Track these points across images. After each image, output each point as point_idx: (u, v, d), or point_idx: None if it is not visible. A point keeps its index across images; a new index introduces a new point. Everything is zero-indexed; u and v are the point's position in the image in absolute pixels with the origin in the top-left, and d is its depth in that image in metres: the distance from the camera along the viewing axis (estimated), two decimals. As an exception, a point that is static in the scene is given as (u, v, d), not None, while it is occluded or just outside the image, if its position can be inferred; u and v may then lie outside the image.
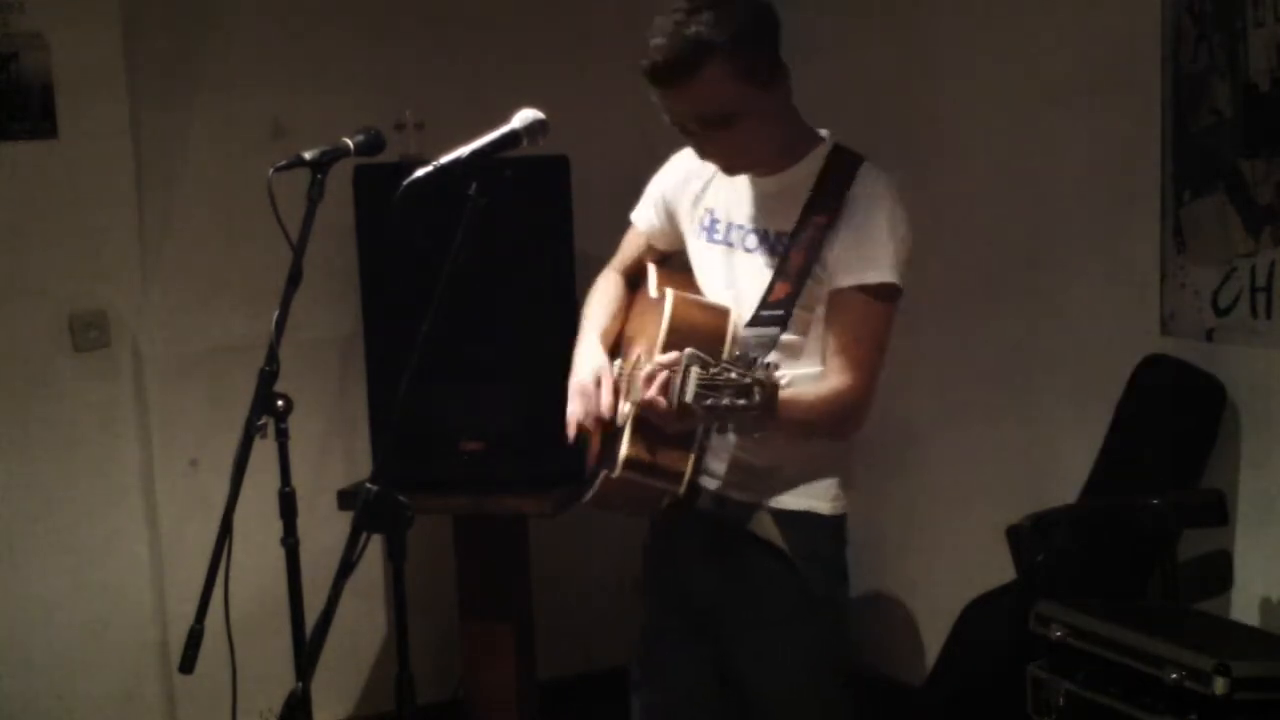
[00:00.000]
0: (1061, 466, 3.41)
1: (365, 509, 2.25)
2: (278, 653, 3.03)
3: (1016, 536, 3.04)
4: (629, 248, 2.70)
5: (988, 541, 3.22)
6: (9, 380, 3.82)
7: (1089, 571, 3.03)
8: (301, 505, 2.86)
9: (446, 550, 3.97)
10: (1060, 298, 3.52)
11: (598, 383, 2.44)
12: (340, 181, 3.22)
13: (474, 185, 2.27)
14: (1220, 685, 2.47)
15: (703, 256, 2.50)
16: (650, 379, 2.16)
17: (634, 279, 2.68)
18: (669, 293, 2.38)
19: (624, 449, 2.29)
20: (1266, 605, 3.00)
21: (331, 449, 4.14)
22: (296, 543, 2.85)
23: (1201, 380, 3.09)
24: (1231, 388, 3.06)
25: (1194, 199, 3.13)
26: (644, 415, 2.24)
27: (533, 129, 2.34)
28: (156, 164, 3.96)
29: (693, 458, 2.31)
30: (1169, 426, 3.13)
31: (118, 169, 3.90)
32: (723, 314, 2.36)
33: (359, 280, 3.82)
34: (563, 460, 2.67)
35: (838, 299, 2.32)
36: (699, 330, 2.30)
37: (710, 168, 2.47)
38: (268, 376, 2.67)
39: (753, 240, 2.42)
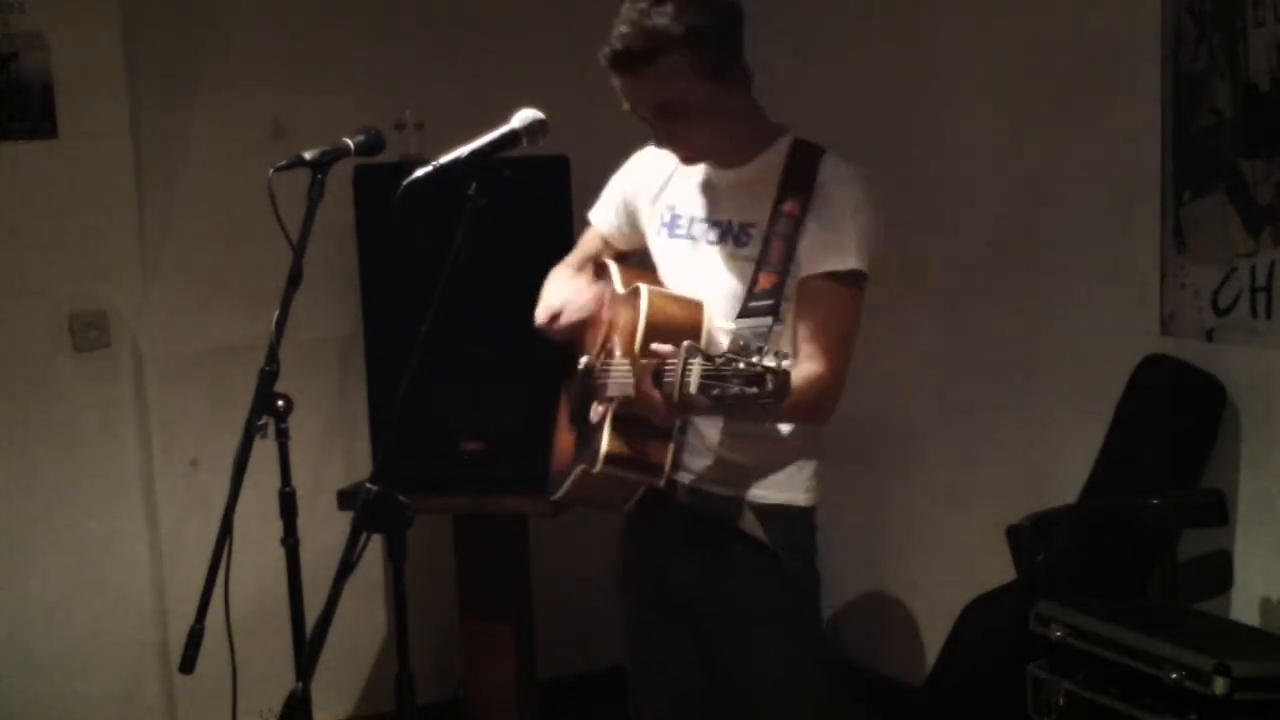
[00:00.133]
0: (1061, 466, 3.41)
1: (365, 509, 2.25)
2: (278, 653, 3.03)
3: (1016, 536, 3.04)
4: (586, 247, 2.74)
5: (988, 541, 3.22)
6: (9, 380, 3.82)
7: (1089, 571, 3.03)
8: (301, 505, 2.86)
9: (446, 550, 3.97)
10: (1060, 298, 3.52)
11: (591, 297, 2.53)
12: (340, 181, 3.22)
13: (474, 185, 2.28)
14: (1220, 685, 2.47)
15: (666, 252, 2.53)
16: (646, 372, 2.18)
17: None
18: (644, 288, 2.40)
19: (604, 444, 2.31)
20: (1266, 605, 3.00)
21: (331, 449, 4.15)
22: (296, 543, 2.85)
23: (1201, 380, 3.09)
24: (1231, 388, 3.06)
25: (1194, 199, 3.13)
26: (624, 409, 2.28)
27: (533, 129, 2.36)
28: (156, 164, 3.96)
29: (671, 448, 2.34)
30: (1169, 426, 3.13)
31: (118, 169, 3.90)
32: (696, 306, 2.39)
33: (359, 280, 3.82)
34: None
35: (807, 286, 2.34)
36: (675, 323, 2.34)
37: (670, 165, 2.51)
38: (268, 376, 2.67)
39: (716, 232, 2.45)
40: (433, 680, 3.95)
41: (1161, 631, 2.67)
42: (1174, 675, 2.53)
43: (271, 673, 3.11)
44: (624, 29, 2.31)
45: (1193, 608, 3.02)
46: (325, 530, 3.20)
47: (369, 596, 4.16)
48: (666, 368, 2.14)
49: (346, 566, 2.26)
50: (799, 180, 2.36)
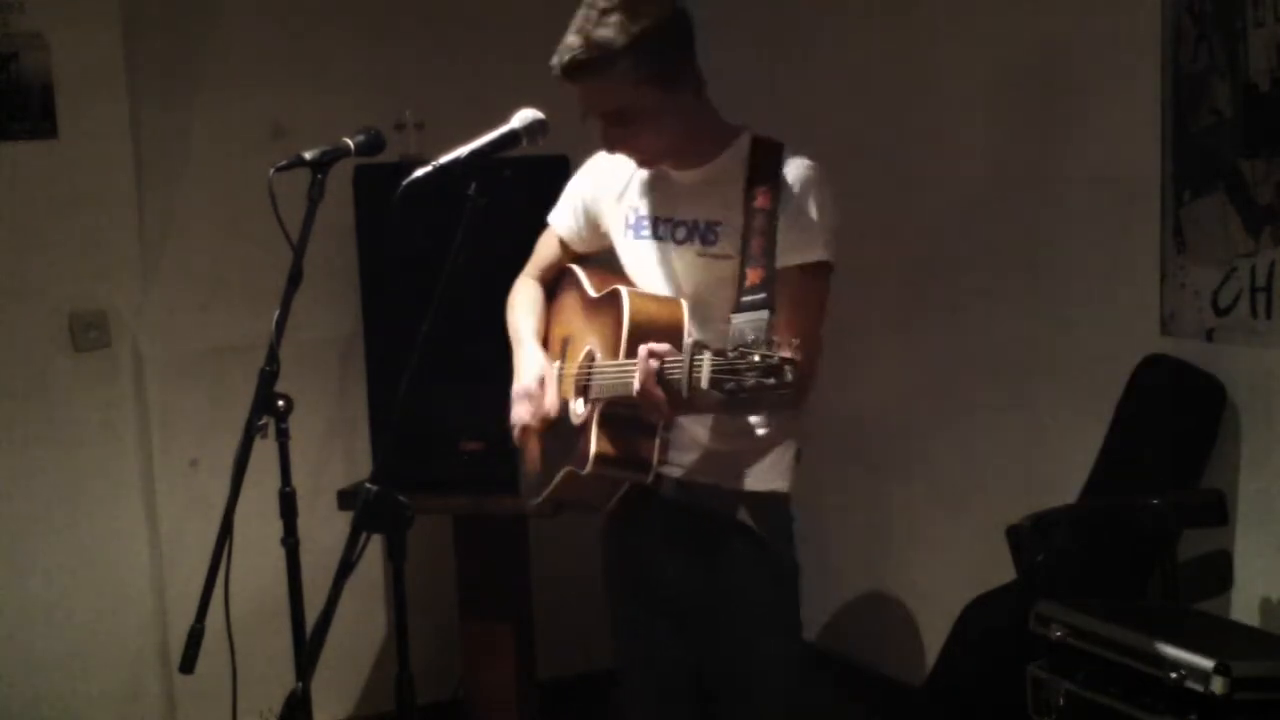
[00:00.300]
0: (1061, 466, 3.41)
1: (365, 509, 2.25)
2: (278, 653, 3.03)
3: (1016, 536, 3.04)
4: (545, 251, 2.74)
5: (988, 541, 3.22)
6: (9, 380, 3.83)
7: (1089, 571, 3.03)
8: (301, 505, 2.86)
9: (446, 550, 3.97)
10: (1060, 298, 3.52)
11: (541, 384, 2.51)
12: (340, 181, 3.22)
13: (474, 185, 2.28)
14: (1220, 685, 2.47)
15: (634, 253, 2.54)
16: (650, 371, 2.18)
17: (549, 284, 2.73)
18: (623, 290, 2.41)
19: (594, 445, 2.32)
20: (1266, 605, 3.00)
21: (331, 449, 4.15)
22: (296, 543, 2.85)
23: (1201, 380, 3.09)
24: (1231, 388, 3.06)
25: (1194, 199, 3.13)
26: (611, 409, 2.31)
27: (532, 129, 2.37)
28: (156, 164, 3.97)
29: (659, 444, 2.34)
30: (1169, 426, 3.13)
31: (118, 169, 3.90)
32: (675, 305, 2.41)
33: (359, 280, 3.82)
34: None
35: (780, 278, 2.36)
36: (657, 322, 2.36)
37: (629, 166, 2.53)
38: (268, 376, 2.67)
39: (682, 232, 2.47)
40: (433, 680, 3.95)
41: (1161, 631, 2.67)
42: (1174, 675, 2.53)
43: (271, 673, 3.11)
44: (571, 39, 2.35)
45: (1193, 608, 3.02)
46: (325, 530, 3.20)
47: (369, 596, 4.16)
48: (669, 365, 2.15)
49: (346, 566, 2.26)
50: (766, 175, 2.39)
